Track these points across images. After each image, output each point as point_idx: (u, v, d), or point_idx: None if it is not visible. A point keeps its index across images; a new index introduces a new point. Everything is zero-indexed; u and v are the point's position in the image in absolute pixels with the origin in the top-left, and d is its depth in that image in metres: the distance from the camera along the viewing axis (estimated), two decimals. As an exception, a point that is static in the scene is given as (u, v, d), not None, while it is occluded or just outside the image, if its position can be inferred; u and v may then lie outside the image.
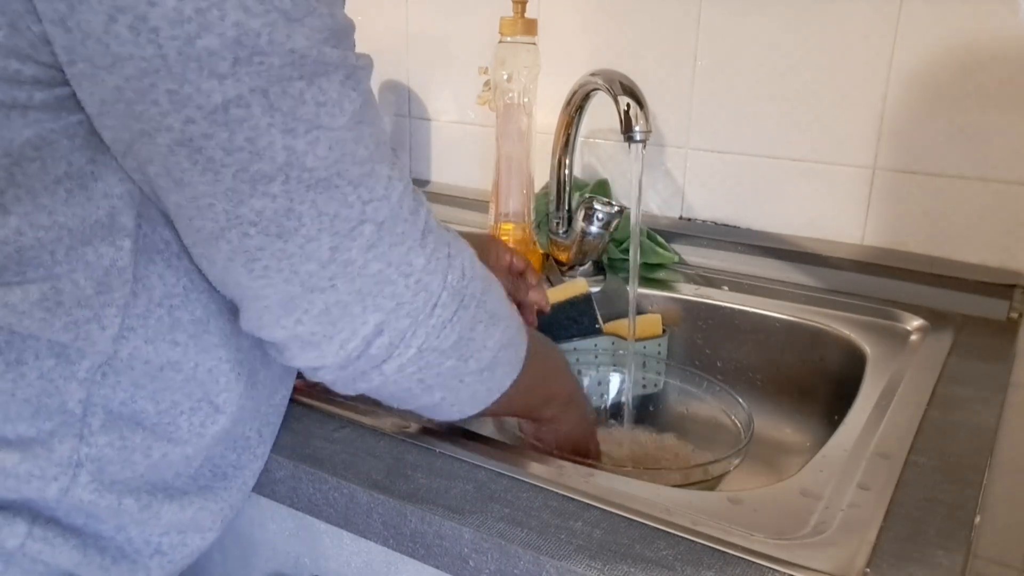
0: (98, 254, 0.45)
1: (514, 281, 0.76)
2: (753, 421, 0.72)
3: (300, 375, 0.59)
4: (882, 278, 0.91)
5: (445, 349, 0.50)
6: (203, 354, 0.49)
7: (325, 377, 0.50)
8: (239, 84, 0.39)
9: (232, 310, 0.50)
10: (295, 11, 0.39)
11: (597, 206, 0.92)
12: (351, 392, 0.52)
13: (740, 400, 0.75)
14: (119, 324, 0.46)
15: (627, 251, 0.99)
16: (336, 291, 0.45)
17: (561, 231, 0.98)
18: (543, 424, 0.67)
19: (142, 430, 0.48)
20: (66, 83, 0.41)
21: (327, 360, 0.48)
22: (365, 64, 0.44)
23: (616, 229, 0.94)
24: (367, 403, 0.66)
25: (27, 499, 0.46)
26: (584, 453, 0.69)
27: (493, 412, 0.59)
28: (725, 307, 0.91)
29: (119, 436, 0.47)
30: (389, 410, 0.65)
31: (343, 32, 0.43)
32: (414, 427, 0.62)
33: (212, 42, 0.38)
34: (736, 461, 0.67)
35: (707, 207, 1.02)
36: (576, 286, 0.87)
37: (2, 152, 0.42)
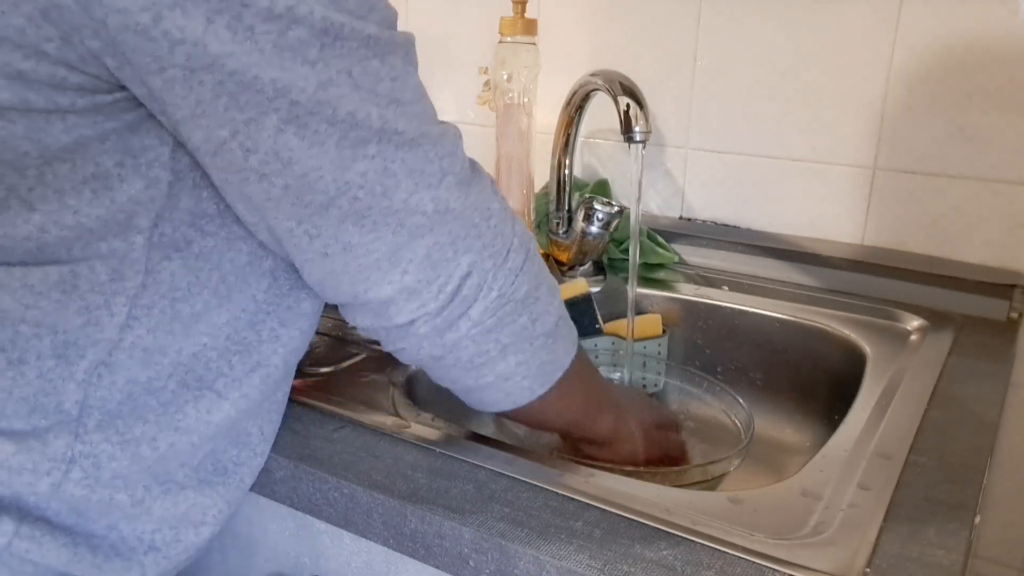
0: (111, 248, 0.46)
1: None
2: (753, 421, 0.72)
3: (298, 375, 0.59)
4: (882, 278, 0.91)
5: (519, 299, 0.54)
6: (187, 340, 0.50)
7: (419, 330, 0.52)
8: (327, 68, 0.43)
9: (228, 303, 0.51)
10: (359, 10, 0.44)
11: (597, 206, 0.92)
12: (436, 351, 0.53)
13: (740, 400, 0.75)
14: (126, 313, 0.47)
15: (627, 251, 0.99)
16: (434, 234, 0.49)
17: (561, 231, 0.98)
18: (605, 445, 0.66)
19: (143, 423, 0.49)
20: (107, 91, 0.43)
21: (428, 306, 0.51)
22: (413, 41, 0.49)
23: (616, 229, 0.94)
24: (367, 402, 0.66)
25: (16, 495, 0.46)
26: (664, 459, 0.69)
27: (551, 420, 0.61)
28: (725, 307, 0.91)
29: (116, 432, 0.48)
30: (389, 409, 0.65)
31: (395, 17, 0.48)
32: (414, 427, 0.62)
33: (302, 33, 0.42)
34: (736, 461, 0.67)
35: (707, 207, 1.02)
36: (576, 286, 0.87)
37: (37, 153, 0.43)
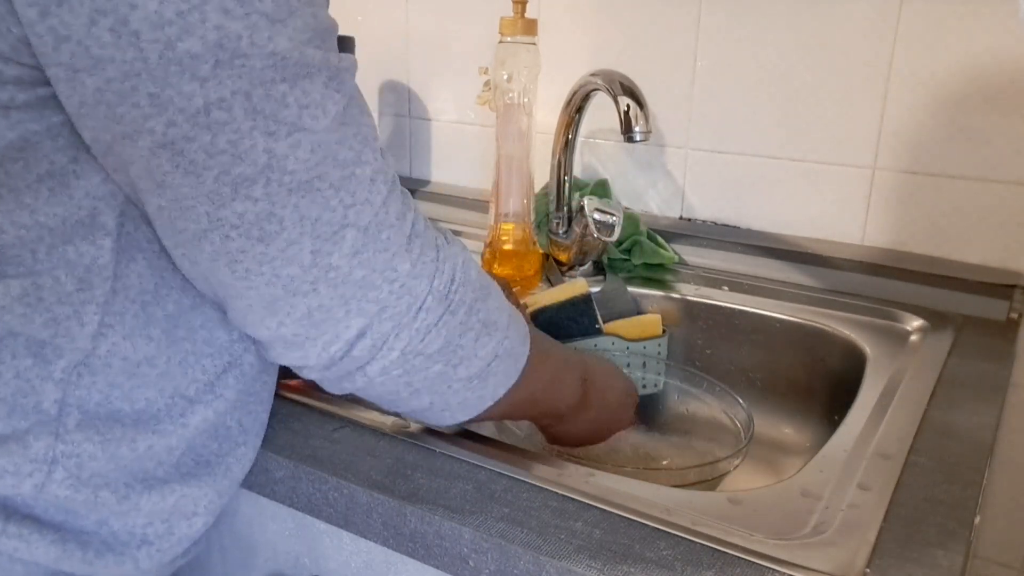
0: (79, 252, 0.45)
1: None
2: (753, 421, 0.72)
3: (293, 374, 0.59)
4: (882, 278, 0.91)
5: (431, 354, 0.50)
6: (172, 347, 0.49)
7: (311, 376, 0.51)
8: (221, 87, 0.39)
9: (203, 306, 0.50)
10: (277, 13, 0.39)
11: (597, 216, 0.92)
12: (338, 392, 0.52)
13: (740, 400, 0.75)
14: (98, 321, 0.46)
15: (627, 251, 1.00)
16: (318, 295, 0.45)
17: (561, 231, 0.98)
18: (552, 428, 0.66)
19: (121, 426, 0.48)
20: (47, 83, 0.41)
21: (310, 361, 0.48)
22: (348, 65, 0.44)
23: (615, 237, 0.94)
24: (366, 402, 0.66)
25: (2, 496, 0.46)
26: (605, 436, 0.69)
27: (490, 418, 0.58)
28: (725, 307, 0.91)
29: (96, 432, 0.47)
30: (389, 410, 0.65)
31: (326, 33, 0.43)
32: (414, 427, 0.62)
33: (193, 45, 0.38)
34: (736, 461, 0.67)
35: (707, 207, 1.02)
36: (576, 286, 0.87)
37: None
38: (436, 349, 0.50)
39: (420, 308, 0.48)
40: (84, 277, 0.45)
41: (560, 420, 0.66)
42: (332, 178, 0.43)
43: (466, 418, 0.56)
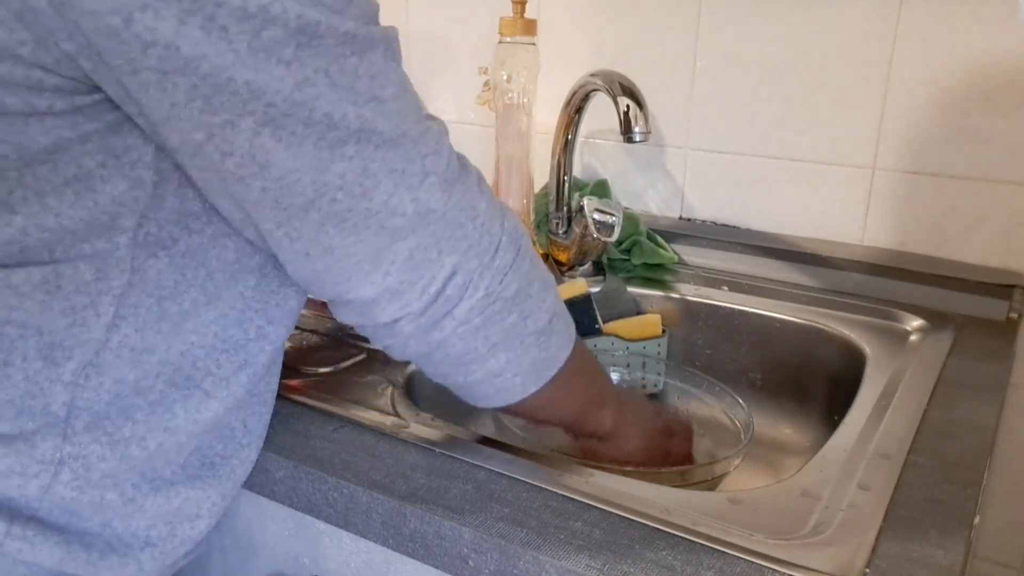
0: (95, 248, 0.46)
1: None
2: (753, 421, 0.72)
3: (298, 375, 0.59)
4: (882, 278, 0.91)
5: (508, 298, 0.53)
6: (175, 339, 0.50)
7: (404, 329, 0.52)
8: (303, 67, 0.42)
9: (218, 303, 0.51)
10: (337, 4, 0.43)
11: (597, 216, 0.92)
12: (422, 348, 0.53)
13: (740, 400, 0.75)
14: (113, 312, 0.47)
15: (627, 251, 1.00)
16: (417, 236, 0.48)
17: (561, 231, 0.98)
18: (603, 441, 0.65)
19: (132, 424, 0.49)
20: (86, 92, 0.42)
21: (411, 307, 0.50)
22: (395, 35, 0.48)
23: (615, 236, 0.94)
24: (367, 402, 0.66)
25: (7, 497, 0.46)
26: (665, 458, 0.68)
27: (549, 415, 0.60)
28: (725, 307, 0.91)
29: (104, 432, 0.48)
30: (388, 409, 0.65)
31: (376, 12, 0.47)
32: (414, 427, 0.62)
33: (276, 33, 0.40)
34: (736, 461, 0.67)
35: (707, 207, 1.02)
36: (576, 286, 0.87)
37: (15, 156, 0.43)
38: (512, 294, 0.53)
39: (497, 248, 0.52)
40: (102, 268, 0.46)
41: (608, 416, 0.65)
42: (412, 133, 0.47)
43: (535, 386, 0.57)
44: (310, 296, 0.54)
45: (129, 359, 0.48)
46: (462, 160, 0.52)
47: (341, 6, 0.43)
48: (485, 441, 0.61)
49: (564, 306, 0.59)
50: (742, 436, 0.72)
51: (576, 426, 0.64)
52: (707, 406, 0.79)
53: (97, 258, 0.46)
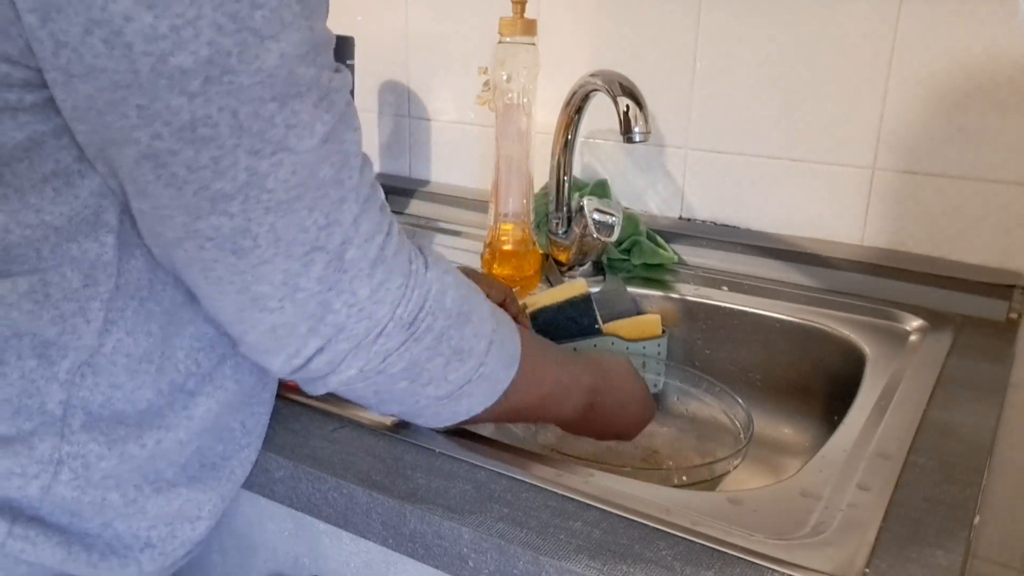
0: (83, 249, 0.45)
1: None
2: (752, 421, 0.72)
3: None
4: (882, 278, 0.91)
5: (393, 374, 0.50)
6: (166, 342, 0.49)
7: (279, 375, 0.51)
8: (208, 103, 0.39)
9: (193, 301, 0.50)
10: (268, 29, 0.39)
11: (596, 216, 0.92)
12: (314, 393, 0.53)
13: (739, 400, 0.75)
14: (103, 318, 0.46)
15: (627, 251, 1.00)
16: (284, 313, 0.46)
17: (560, 231, 0.98)
18: (580, 428, 0.66)
19: (125, 427, 0.48)
20: None
21: (274, 367, 0.49)
22: (340, 85, 0.44)
23: (616, 236, 0.94)
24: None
25: (8, 498, 0.46)
26: (624, 433, 0.69)
27: (473, 423, 0.58)
28: (725, 307, 0.91)
29: (101, 432, 0.48)
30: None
31: (322, 47, 0.43)
32: (413, 427, 0.62)
33: (185, 60, 0.38)
34: (736, 461, 0.67)
35: (707, 207, 1.02)
36: (576, 286, 0.87)
37: None
38: (399, 370, 0.50)
39: (380, 333, 0.48)
40: (90, 273, 0.46)
41: (564, 425, 0.66)
42: (308, 199, 0.43)
43: (441, 427, 0.57)
44: None
45: (125, 366, 0.48)
46: (373, 226, 0.47)
47: (271, 32, 0.39)
48: (485, 441, 0.61)
49: (496, 361, 0.55)
50: (742, 436, 0.72)
51: (540, 420, 0.65)
52: (707, 406, 0.79)
53: (85, 262, 0.45)
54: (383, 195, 0.50)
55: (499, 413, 0.57)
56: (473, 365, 0.53)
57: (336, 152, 0.44)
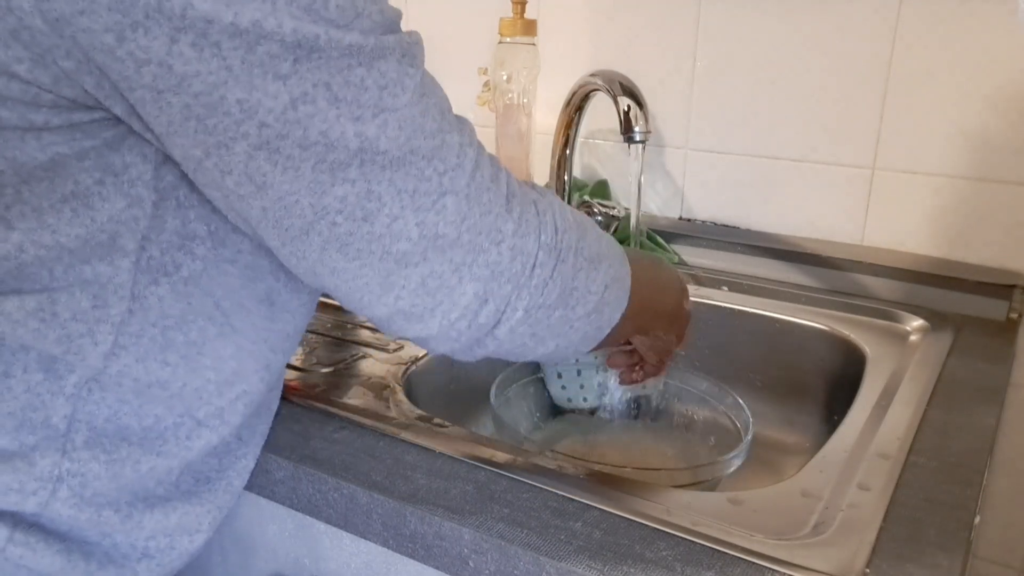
0: (96, 272, 0.45)
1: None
2: (751, 421, 0.72)
3: (298, 374, 0.59)
4: (882, 278, 0.91)
5: (551, 303, 0.51)
6: (192, 375, 0.49)
7: (441, 349, 0.51)
8: (302, 82, 0.40)
9: (233, 335, 0.50)
10: (342, 18, 0.40)
11: (595, 209, 0.92)
12: (471, 359, 0.53)
13: (740, 400, 0.75)
14: (112, 341, 0.46)
15: (627, 251, 1.00)
16: (429, 263, 0.46)
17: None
18: (655, 334, 0.68)
19: (128, 445, 0.48)
20: (84, 109, 0.42)
21: (432, 331, 0.49)
22: (417, 40, 0.45)
23: (616, 231, 0.94)
24: (367, 403, 0.66)
25: (7, 511, 0.46)
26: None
27: (608, 343, 0.60)
28: (725, 307, 0.91)
29: (103, 451, 0.47)
30: (389, 409, 0.65)
31: (392, 23, 0.44)
32: (414, 427, 0.62)
33: (272, 47, 0.39)
34: (736, 461, 0.67)
35: (707, 207, 1.02)
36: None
37: (12, 172, 0.43)
38: (555, 298, 0.51)
39: (534, 265, 0.49)
40: (100, 295, 0.45)
41: (663, 320, 0.67)
42: (423, 150, 0.44)
43: (589, 348, 0.57)
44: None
45: (132, 388, 0.47)
46: (494, 168, 0.49)
47: (347, 20, 0.40)
48: (485, 441, 0.61)
49: (618, 261, 0.56)
50: (742, 436, 0.72)
51: (652, 318, 0.65)
52: (707, 406, 0.79)
53: (96, 284, 0.45)
54: None
55: (631, 318, 0.58)
56: (605, 268, 0.54)
57: (434, 104, 0.45)
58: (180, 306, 0.47)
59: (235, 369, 0.51)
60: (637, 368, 0.73)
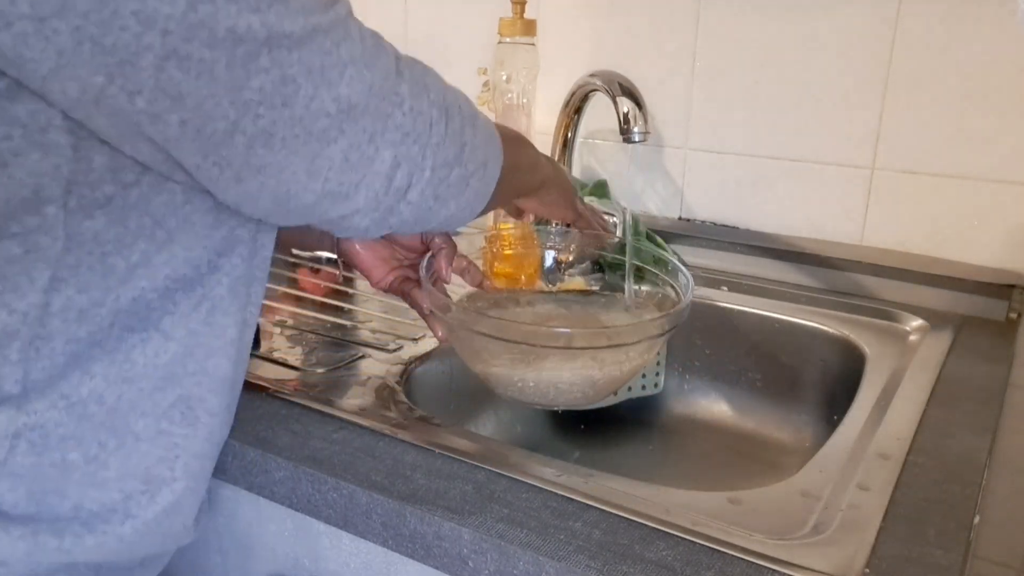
0: (24, 225, 0.44)
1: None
2: (691, 282, 0.67)
3: (298, 373, 0.58)
4: (882, 278, 0.91)
5: (450, 161, 0.53)
6: (125, 288, 0.48)
7: (360, 223, 0.52)
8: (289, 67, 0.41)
9: (169, 246, 0.49)
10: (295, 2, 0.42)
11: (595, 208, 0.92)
12: (381, 230, 0.54)
13: (685, 270, 0.70)
14: (49, 276, 0.45)
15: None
16: (347, 136, 0.47)
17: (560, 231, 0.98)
18: (538, 194, 0.70)
19: (90, 379, 0.47)
20: None
21: (359, 204, 0.50)
22: None
23: (617, 232, 0.94)
24: (367, 403, 0.66)
25: None
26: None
27: (497, 205, 0.62)
28: (725, 307, 0.91)
29: (61, 396, 0.46)
30: (388, 409, 0.65)
31: None
32: (413, 427, 0.62)
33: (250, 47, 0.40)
34: (666, 326, 0.62)
35: (706, 207, 1.02)
36: (575, 286, 0.87)
37: None
38: (452, 155, 0.53)
39: (430, 123, 0.51)
40: (30, 239, 0.44)
41: (541, 172, 0.69)
42: (322, 24, 0.45)
43: (481, 208, 0.59)
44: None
45: (76, 319, 0.46)
46: (375, 38, 0.50)
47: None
48: (484, 441, 0.61)
49: (481, 115, 0.58)
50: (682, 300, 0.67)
51: (521, 192, 0.68)
52: (707, 406, 0.79)
53: (23, 234, 0.44)
54: None
55: (508, 172, 0.60)
56: (481, 123, 0.57)
57: None
58: (116, 231, 0.46)
59: (168, 275, 0.49)
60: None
